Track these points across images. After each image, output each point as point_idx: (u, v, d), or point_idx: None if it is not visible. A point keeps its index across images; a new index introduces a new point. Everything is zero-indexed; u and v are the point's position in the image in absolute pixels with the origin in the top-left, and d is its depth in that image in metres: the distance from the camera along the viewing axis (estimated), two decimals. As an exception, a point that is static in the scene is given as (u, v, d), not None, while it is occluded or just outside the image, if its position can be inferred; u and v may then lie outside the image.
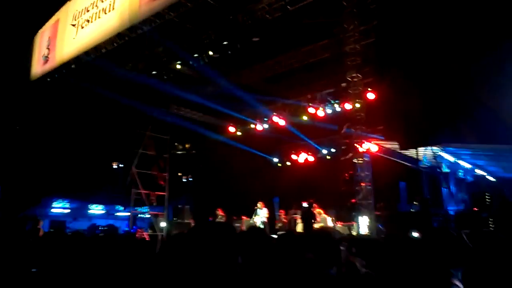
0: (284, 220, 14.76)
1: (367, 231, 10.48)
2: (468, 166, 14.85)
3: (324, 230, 3.37)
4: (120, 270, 3.07)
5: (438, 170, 13.70)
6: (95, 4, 12.51)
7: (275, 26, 10.93)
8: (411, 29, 9.86)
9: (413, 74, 10.57)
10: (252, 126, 17.14)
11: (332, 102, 14.11)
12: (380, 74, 11.15)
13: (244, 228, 14.21)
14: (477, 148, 12.02)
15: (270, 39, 11.72)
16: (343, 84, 11.44)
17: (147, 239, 14.55)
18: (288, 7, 10.26)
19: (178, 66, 13.26)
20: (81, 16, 13.07)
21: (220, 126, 18.11)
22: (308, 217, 12.57)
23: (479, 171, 15.26)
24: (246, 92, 14.53)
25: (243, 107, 16.08)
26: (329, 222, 13.07)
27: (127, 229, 16.42)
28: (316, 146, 16.56)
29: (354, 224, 11.48)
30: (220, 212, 15.32)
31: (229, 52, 12.01)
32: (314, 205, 13.37)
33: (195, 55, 12.52)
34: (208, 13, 11.06)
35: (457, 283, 2.06)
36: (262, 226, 13.71)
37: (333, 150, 16.05)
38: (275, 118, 15.98)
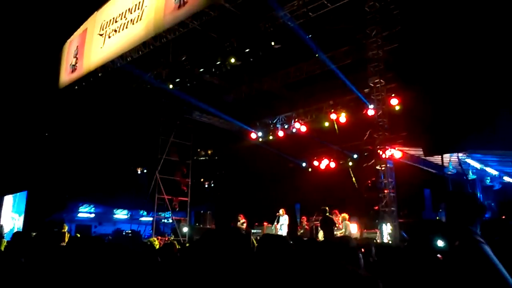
0: (306, 227, 14.68)
1: (390, 239, 10.34)
2: (495, 173, 14.47)
3: (343, 238, 3.39)
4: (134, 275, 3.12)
5: (464, 177, 13.41)
6: (123, 15, 12.84)
7: (297, 33, 10.98)
8: (435, 34, 9.75)
9: (438, 79, 10.42)
10: (274, 132, 17.17)
11: (355, 108, 14.01)
12: (403, 79, 11.04)
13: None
14: (505, 154, 11.72)
15: (292, 46, 11.78)
16: (366, 90, 11.38)
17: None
18: (310, 13, 10.30)
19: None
20: (108, 26, 13.44)
21: (242, 133, 18.21)
22: (328, 224, 12.42)
23: (507, 178, 14.86)
24: (267, 98, 14.62)
25: (265, 114, 16.17)
26: (353, 229, 12.93)
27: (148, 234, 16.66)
28: (341, 150, 16.40)
29: (377, 232, 11.34)
30: (241, 218, 15.37)
31: (251, 59, 12.11)
32: (335, 211, 13.24)
33: (218, 62, 12.67)
34: (231, 21, 11.22)
35: (480, 238, 2.14)
36: (284, 233, 13.67)
37: (355, 156, 15.91)
38: (297, 125, 15.97)
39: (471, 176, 13.63)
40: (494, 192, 14.59)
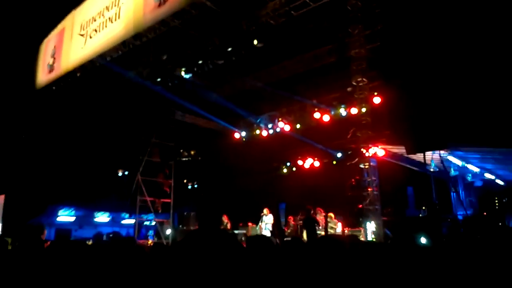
0: (293, 227, 14.64)
1: (374, 237, 10.38)
2: (476, 170, 14.69)
3: (334, 238, 3.30)
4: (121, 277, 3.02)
5: (446, 174, 13.56)
6: (102, 14, 12.56)
7: (280, 31, 10.91)
8: (417, 32, 9.80)
9: (419, 78, 10.50)
10: (258, 132, 17.10)
11: (338, 107, 14.04)
12: (386, 78, 11.08)
13: (249, 234, 14.14)
14: (486, 151, 11.90)
15: (274, 45, 11.69)
16: (349, 89, 11.39)
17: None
18: (293, 12, 10.24)
19: (183, 73, 13.22)
20: (89, 25, 13.13)
21: (226, 133, 18.07)
22: (311, 224, 12.38)
23: (488, 175, 15.09)
24: (251, 98, 14.51)
25: (248, 113, 16.07)
26: (339, 227, 12.97)
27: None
28: (324, 149, 16.41)
29: (361, 230, 11.37)
30: (225, 219, 15.22)
31: (234, 58, 11.99)
32: (319, 209, 13.23)
33: (200, 61, 12.50)
34: (212, 20, 11.07)
35: None
36: (268, 233, 13.60)
37: (339, 155, 15.94)
38: (281, 124, 15.92)
39: (453, 173, 13.81)
40: (475, 189, 14.81)
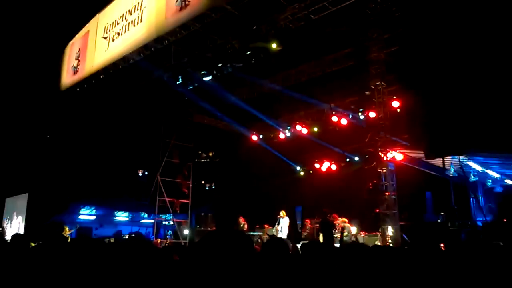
0: (310, 230, 14.66)
1: (391, 241, 10.32)
2: (496, 175, 14.45)
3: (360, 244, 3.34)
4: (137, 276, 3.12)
5: (465, 179, 13.39)
6: (124, 17, 12.88)
7: (299, 35, 10.99)
8: (436, 36, 9.76)
9: (439, 82, 10.42)
10: (275, 134, 17.18)
11: (356, 110, 14.02)
12: (404, 82, 11.04)
13: (266, 236, 14.22)
14: (506, 157, 11.71)
15: (293, 48, 11.79)
16: (367, 92, 11.38)
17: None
18: (312, 16, 10.32)
19: (203, 76, 13.42)
20: (112, 29, 13.48)
21: (243, 135, 18.21)
22: (328, 227, 12.38)
23: (508, 181, 14.83)
24: (269, 101, 14.64)
25: (266, 116, 16.19)
26: (353, 231, 12.93)
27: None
28: (342, 152, 16.38)
29: (378, 234, 11.33)
30: (242, 220, 15.34)
31: (253, 61, 12.13)
32: (334, 215, 13.22)
33: (219, 64, 12.69)
34: (232, 24, 11.24)
35: None
36: (284, 236, 13.65)
37: (356, 158, 15.89)
38: (298, 127, 15.98)
39: (472, 178, 13.62)
40: (495, 195, 14.55)
